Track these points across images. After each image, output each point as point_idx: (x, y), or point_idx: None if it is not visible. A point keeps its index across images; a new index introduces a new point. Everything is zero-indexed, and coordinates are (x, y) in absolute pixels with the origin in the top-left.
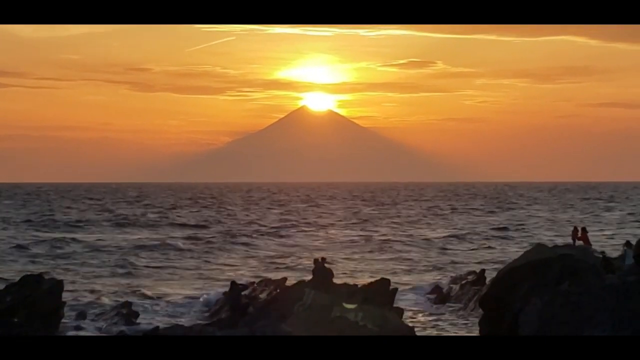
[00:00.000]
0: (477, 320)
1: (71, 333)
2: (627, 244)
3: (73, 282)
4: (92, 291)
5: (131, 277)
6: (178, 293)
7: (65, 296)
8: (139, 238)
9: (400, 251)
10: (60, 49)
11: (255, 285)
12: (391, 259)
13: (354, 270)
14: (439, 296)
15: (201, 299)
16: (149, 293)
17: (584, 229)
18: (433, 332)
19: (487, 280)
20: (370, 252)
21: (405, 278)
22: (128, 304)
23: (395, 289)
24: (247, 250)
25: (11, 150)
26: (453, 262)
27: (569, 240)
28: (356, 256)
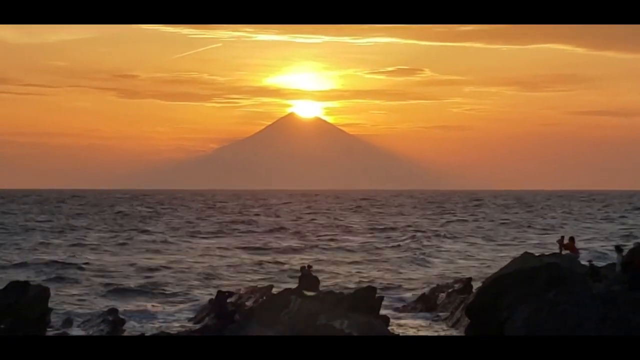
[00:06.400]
0: (463, 329)
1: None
2: (616, 248)
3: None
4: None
5: None
6: (165, 300)
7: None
8: None
9: None
10: (48, 55)
11: (241, 292)
12: None
13: (342, 277)
14: (425, 304)
15: (188, 306)
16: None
17: (571, 238)
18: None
19: (474, 288)
20: None
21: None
22: (114, 311)
23: (382, 297)
24: None
25: None
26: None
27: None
28: None
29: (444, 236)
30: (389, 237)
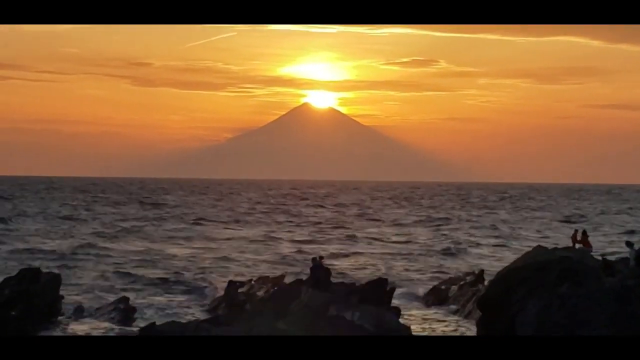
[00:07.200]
0: (474, 321)
1: (69, 327)
2: (627, 243)
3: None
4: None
5: None
6: (179, 289)
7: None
8: None
9: None
10: (61, 42)
11: (253, 282)
12: None
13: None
14: (437, 296)
15: (199, 295)
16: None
17: (584, 232)
18: (429, 333)
19: (486, 281)
20: None
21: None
22: (125, 299)
23: (393, 289)
24: None
25: (11, 143)
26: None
27: None
28: None
29: (480, 227)
30: (428, 228)
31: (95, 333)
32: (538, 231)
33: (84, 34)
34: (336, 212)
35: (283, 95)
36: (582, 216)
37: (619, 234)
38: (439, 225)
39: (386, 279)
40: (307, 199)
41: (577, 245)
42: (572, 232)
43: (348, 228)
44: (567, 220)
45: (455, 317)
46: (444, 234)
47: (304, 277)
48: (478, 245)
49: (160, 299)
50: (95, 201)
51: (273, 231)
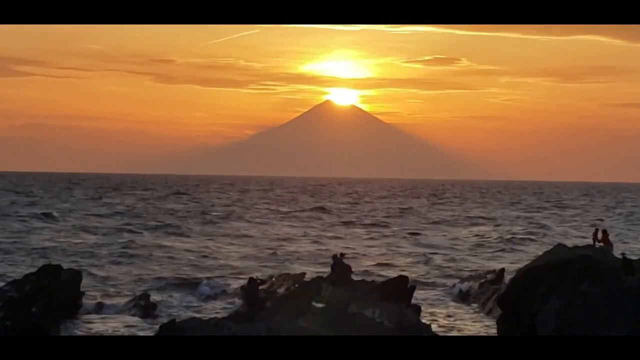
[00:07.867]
0: (495, 319)
1: (90, 323)
2: None
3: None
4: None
5: None
6: (197, 284)
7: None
8: None
9: None
10: (83, 39)
11: (274, 279)
12: None
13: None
14: (458, 295)
15: (220, 291)
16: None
17: (604, 231)
18: (450, 331)
19: (507, 279)
20: None
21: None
22: (146, 296)
23: (414, 287)
24: None
25: (32, 139)
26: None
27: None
28: None
29: (511, 225)
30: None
31: (115, 329)
32: (571, 229)
33: (106, 30)
34: (365, 209)
35: (305, 93)
36: (612, 215)
37: None
38: (469, 223)
39: (407, 277)
40: (334, 195)
41: (598, 244)
42: (593, 230)
43: (376, 225)
44: (599, 219)
45: (476, 315)
46: (475, 233)
47: (325, 274)
48: (509, 242)
49: (181, 295)
50: (124, 197)
51: (295, 226)
